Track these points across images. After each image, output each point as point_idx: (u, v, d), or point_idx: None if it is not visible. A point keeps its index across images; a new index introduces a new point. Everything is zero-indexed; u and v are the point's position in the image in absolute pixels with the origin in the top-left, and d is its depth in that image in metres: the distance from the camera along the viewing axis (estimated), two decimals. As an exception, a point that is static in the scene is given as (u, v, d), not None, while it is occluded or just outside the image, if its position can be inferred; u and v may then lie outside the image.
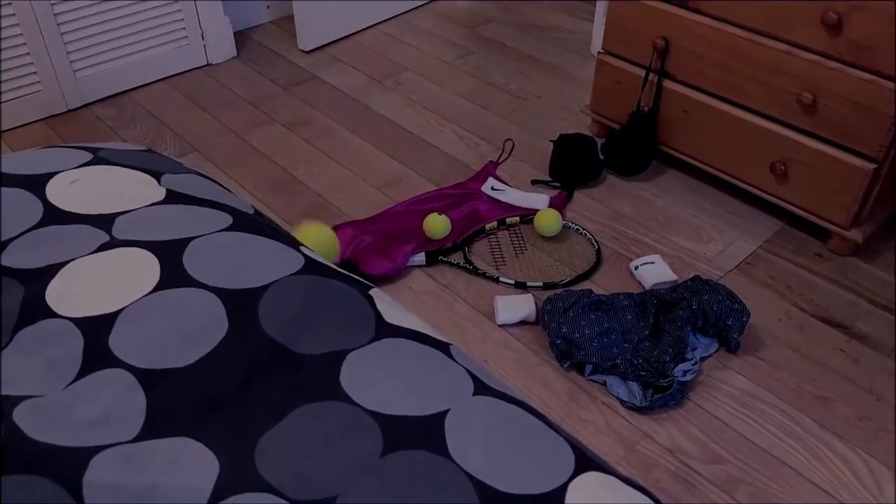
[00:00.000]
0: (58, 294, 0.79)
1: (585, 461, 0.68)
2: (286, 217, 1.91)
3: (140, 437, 0.67)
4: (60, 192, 0.95)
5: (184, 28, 2.44)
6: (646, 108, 1.97)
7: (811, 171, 1.72)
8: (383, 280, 1.71)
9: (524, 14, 2.92)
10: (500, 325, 1.61)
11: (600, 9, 2.51)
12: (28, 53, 2.14)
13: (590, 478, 0.67)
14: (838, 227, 1.74)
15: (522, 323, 1.61)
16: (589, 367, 1.49)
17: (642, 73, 1.95)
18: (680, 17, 1.81)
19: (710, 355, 1.54)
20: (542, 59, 2.62)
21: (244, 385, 0.72)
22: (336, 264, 1.65)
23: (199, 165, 2.11)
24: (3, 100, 2.17)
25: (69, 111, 2.31)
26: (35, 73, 2.18)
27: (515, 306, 1.61)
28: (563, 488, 0.65)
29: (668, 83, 1.92)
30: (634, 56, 1.96)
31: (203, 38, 2.51)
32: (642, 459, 1.36)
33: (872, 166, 1.62)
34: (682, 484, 1.32)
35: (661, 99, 1.94)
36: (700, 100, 1.86)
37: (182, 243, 0.85)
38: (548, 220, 1.81)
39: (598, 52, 2.05)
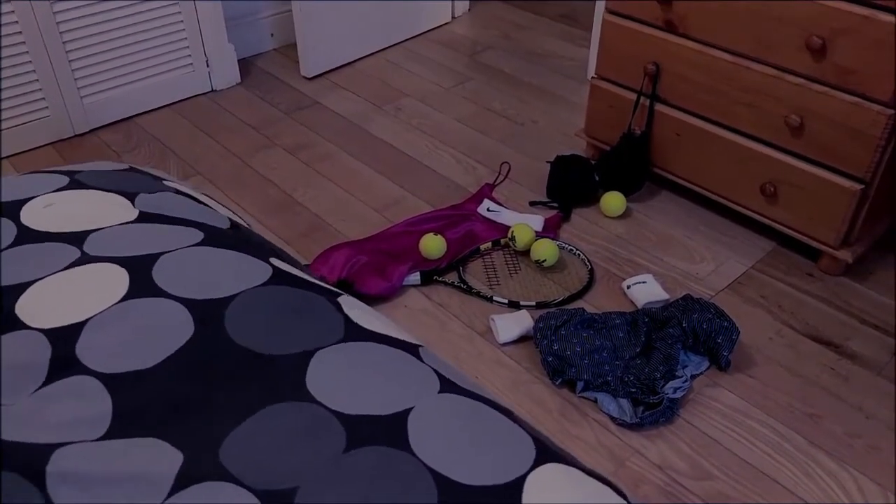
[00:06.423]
0: (29, 307, 0.81)
1: (546, 453, 0.69)
2: (285, 237, 1.95)
3: (106, 438, 0.69)
4: (34, 216, 0.98)
5: (189, 55, 2.51)
6: (638, 132, 2.00)
7: (800, 192, 1.75)
8: (379, 299, 1.74)
9: (522, 41, 2.98)
10: (502, 344, 1.63)
11: (596, 35, 2.56)
12: (37, 80, 2.20)
13: (550, 469, 0.68)
14: (828, 248, 1.76)
15: (521, 339, 1.63)
16: (580, 385, 1.51)
17: (634, 97, 1.99)
18: (670, 43, 1.85)
19: (701, 373, 1.56)
20: (540, 85, 2.66)
21: (210, 385, 0.74)
22: (332, 284, 1.69)
23: (201, 188, 2.15)
24: (13, 125, 2.23)
25: (76, 136, 2.36)
26: (43, 98, 2.24)
27: (514, 323, 1.64)
28: (521, 479, 0.66)
29: (660, 107, 1.95)
30: (627, 81, 2.00)
31: (208, 65, 2.57)
32: (632, 475, 1.37)
33: (860, 187, 1.65)
34: (672, 500, 1.32)
35: (653, 122, 1.98)
36: (691, 123, 1.90)
37: (152, 258, 0.88)
38: (546, 251, 1.80)
39: (592, 77, 2.09)
